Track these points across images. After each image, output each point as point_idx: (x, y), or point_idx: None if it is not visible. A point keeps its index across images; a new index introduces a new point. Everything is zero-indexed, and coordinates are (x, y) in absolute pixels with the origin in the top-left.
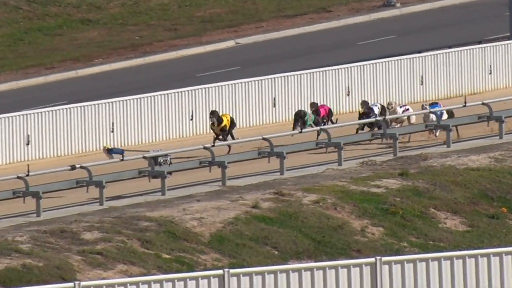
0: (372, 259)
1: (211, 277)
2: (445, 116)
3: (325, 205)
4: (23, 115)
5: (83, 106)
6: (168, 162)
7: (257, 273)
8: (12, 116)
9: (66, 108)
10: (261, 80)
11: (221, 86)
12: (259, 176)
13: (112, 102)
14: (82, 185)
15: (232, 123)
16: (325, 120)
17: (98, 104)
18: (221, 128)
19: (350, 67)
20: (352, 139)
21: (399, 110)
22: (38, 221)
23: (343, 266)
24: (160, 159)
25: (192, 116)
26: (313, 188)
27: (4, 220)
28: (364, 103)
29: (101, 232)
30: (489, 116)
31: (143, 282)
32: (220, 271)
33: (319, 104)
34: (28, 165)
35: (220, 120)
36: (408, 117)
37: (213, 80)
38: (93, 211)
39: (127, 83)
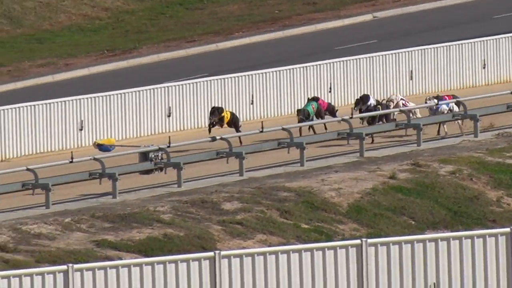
0: (507, 229)
1: (349, 247)
2: (456, 108)
3: (461, 176)
4: (164, 87)
5: (223, 78)
6: (160, 158)
7: (394, 243)
8: (154, 89)
9: (206, 81)
10: (398, 53)
11: (359, 59)
12: (396, 148)
13: (251, 75)
14: (222, 156)
15: (234, 117)
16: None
17: (237, 76)
18: (224, 120)
19: (485, 40)
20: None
21: (400, 103)
22: (179, 191)
23: (478, 236)
24: (151, 155)
25: (330, 88)
26: (449, 159)
27: (146, 190)
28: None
29: (241, 202)
30: None
31: (282, 252)
32: (357, 241)
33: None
34: (169, 136)
35: (221, 118)
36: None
37: (350, 53)
38: (233, 182)
39: (266, 56)
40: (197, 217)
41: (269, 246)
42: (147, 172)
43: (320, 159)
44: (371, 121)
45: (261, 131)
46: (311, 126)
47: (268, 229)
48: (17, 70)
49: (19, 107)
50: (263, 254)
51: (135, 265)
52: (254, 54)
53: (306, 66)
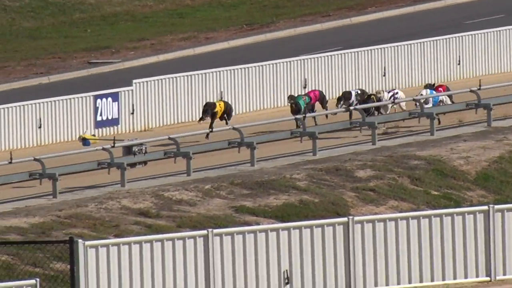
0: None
1: (477, 213)
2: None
3: None
4: (300, 60)
5: (356, 52)
6: (144, 152)
7: None
8: (290, 61)
9: (340, 54)
10: None
11: (487, 33)
12: None
13: (383, 48)
14: (355, 126)
15: (228, 107)
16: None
17: (370, 50)
18: (220, 115)
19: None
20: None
21: (387, 96)
22: (314, 159)
23: None
24: (135, 149)
25: (459, 61)
26: None
27: (282, 158)
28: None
29: (373, 170)
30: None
31: (413, 217)
32: (485, 207)
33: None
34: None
35: (214, 112)
36: (399, 104)
37: (479, 27)
38: (366, 151)
39: (398, 30)
40: (331, 184)
41: (400, 212)
42: (132, 165)
43: (449, 128)
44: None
45: (393, 103)
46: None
47: (399, 196)
48: (160, 43)
49: (161, 79)
50: (395, 219)
51: (272, 230)
52: (386, 28)
53: (435, 40)
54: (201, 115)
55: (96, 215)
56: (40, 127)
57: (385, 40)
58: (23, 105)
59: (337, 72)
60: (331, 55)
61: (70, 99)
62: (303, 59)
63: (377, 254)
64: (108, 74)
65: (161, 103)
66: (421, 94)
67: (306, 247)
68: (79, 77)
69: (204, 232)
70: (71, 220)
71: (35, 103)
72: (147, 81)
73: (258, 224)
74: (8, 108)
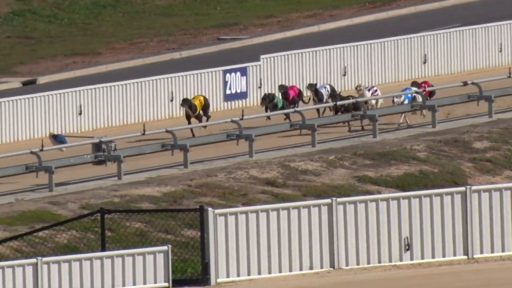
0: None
1: None
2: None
3: None
4: (420, 36)
5: (474, 28)
6: (113, 148)
7: None
8: (410, 38)
9: (458, 31)
10: None
11: None
12: None
13: (501, 25)
14: (473, 99)
15: (206, 105)
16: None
17: (487, 27)
18: (197, 115)
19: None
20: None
21: (367, 93)
22: (434, 131)
23: None
24: (104, 145)
25: None
26: None
27: (403, 131)
28: (311, 86)
29: (490, 141)
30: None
31: None
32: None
33: (288, 86)
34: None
35: (193, 106)
36: (376, 101)
37: None
38: (483, 123)
39: None
40: (450, 155)
41: None
42: (99, 163)
43: None
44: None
45: (510, 77)
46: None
47: None
48: (286, 20)
49: (287, 55)
50: (510, 189)
51: (393, 198)
52: (505, 6)
53: None
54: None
55: (225, 185)
56: (172, 100)
57: (502, 18)
58: (156, 79)
59: (455, 48)
60: (449, 32)
61: (200, 73)
62: (423, 36)
63: (493, 221)
64: (236, 50)
65: (287, 77)
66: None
67: (426, 215)
68: (209, 53)
69: (328, 200)
70: (201, 189)
71: (167, 78)
72: (274, 57)
73: (379, 193)
74: (141, 82)
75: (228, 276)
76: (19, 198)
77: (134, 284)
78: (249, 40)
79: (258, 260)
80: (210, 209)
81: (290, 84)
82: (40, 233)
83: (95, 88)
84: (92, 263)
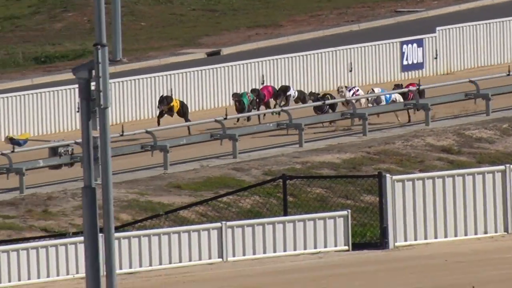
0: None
1: None
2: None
3: None
4: None
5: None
6: (70, 153)
7: None
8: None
9: None
10: None
11: None
12: None
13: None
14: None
15: (184, 106)
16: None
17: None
18: (173, 110)
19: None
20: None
21: (348, 94)
22: None
23: None
24: (61, 149)
25: None
26: None
27: None
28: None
29: None
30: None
31: None
32: None
33: (264, 85)
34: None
35: (170, 106)
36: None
37: None
38: None
39: None
40: None
41: None
42: (56, 167)
43: None
44: (319, 110)
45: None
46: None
47: None
48: None
49: (462, 27)
50: None
51: None
52: None
53: None
54: (158, 107)
55: (402, 152)
56: (351, 70)
57: None
58: (335, 51)
59: None
60: None
61: (378, 45)
62: None
63: None
64: (413, 22)
65: (462, 48)
66: (372, 91)
67: None
68: (386, 25)
69: (502, 167)
70: (380, 156)
71: (346, 49)
72: (449, 29)
73: None
74: (321, 53)
75: (405, 240)
76: (204, 165)
77: (315, 247)
78: (425, 13)
79: (435, 224)
80: (388, 175)
81: None
82: (224, 198)
83: (276, 59)
84: (274, 227)
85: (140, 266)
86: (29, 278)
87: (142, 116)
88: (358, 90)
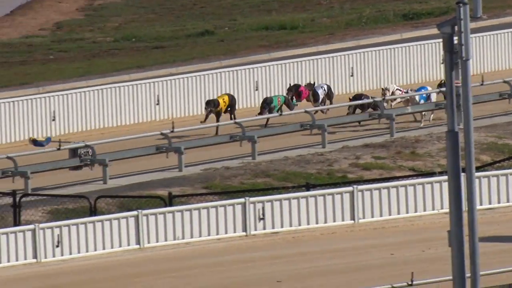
0: None
1: None
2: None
3: None
4: None
5: None
6: (90, 154)
7: None
8: None
9: None
10: None
11: None
12: None
13: None
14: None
15: (232, 102)
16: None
17: None
18: (218, 111)
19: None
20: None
21: (398, 93)
22: None
23: None
24: (80, 151)
25: None
26: None
27: None
28: (309, 85)
29: None
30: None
31: None
32: None
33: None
34: None
35: (217, 106)
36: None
37: None
38: None
39: None
40: None
41: None
42: (76, 168)
43: None
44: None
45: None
46: None
47: None
48: None
49: None
50: None
51: None
52: None
53: None
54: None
55: None
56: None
57: None
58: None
59: None
60: None
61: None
62: None
63: None
64: None
65: None
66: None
67: None
68: None
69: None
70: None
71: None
72: None
73: None
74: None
75: None
76: None
77: None
78: None
79: None
80: None
81: None
82: None
83: None
84: None
85: (498, 202)
86: (415, 211)
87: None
88: (397, 89)
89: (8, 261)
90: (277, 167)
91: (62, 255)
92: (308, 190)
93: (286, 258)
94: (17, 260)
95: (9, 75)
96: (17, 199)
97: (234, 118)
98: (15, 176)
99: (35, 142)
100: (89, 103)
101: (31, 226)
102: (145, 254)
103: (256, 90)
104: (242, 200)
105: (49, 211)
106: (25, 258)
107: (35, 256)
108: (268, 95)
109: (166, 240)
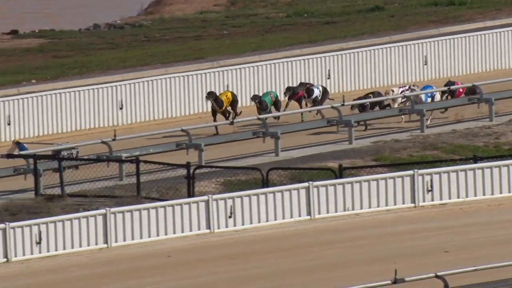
0: None
1: None
2: (437, 98)
3: None
4: None
5: None
6: (74, 155)
7: None
8: None
9: None
10: None
11: None
12: None
13: None
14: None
15: (234, 100)
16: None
17: None
18: (223, 110)
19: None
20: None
21: (397, 91)
22: None
23: None
24: (64, 153)
25: None
26: None
27: None
28: (302, 85)
29: None
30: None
31: None
32: None
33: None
34: None
35: (219, 102)
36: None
37: None
38: None
39: None
40: None
41: None
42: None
43: None
44: (362, 109)
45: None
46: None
47: None
48: None
49: None
50: None
51: None
52: None
53: None
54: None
55: None
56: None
57: None
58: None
59: None
60: None
61: None
62: None
63: None
64: None
65: None
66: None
67: None
68: None
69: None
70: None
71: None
72: None
73: None
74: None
75: None
76: None
77: None
78: None
79: None
80: None
81: None
82: None
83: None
84: None
85: None
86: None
87: None
88: (408, 88)
89: (182, 231)
90: (445, 140)
91: (234, 225)
92: (475, 162)
93: (453, 229)
94: (191, 230)
95: (184, 49)
96: (191, 171)
97: (235, 115)
98: (189, 148)
99: (19, 145)
100: (262, 76)
101: (205, 197)
102: (315, 225)
103: (425, 64)
104: (411, 172)
105: (222, 183)
106: (199, 229)
107: (208, 227)
108: (435, 70)
109: (336, 211)
